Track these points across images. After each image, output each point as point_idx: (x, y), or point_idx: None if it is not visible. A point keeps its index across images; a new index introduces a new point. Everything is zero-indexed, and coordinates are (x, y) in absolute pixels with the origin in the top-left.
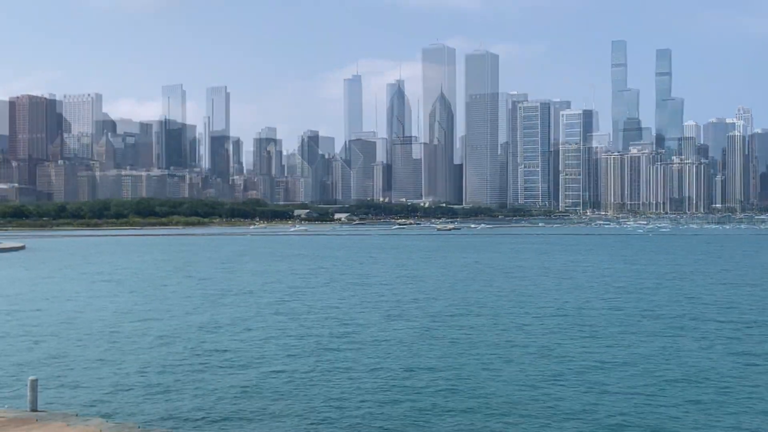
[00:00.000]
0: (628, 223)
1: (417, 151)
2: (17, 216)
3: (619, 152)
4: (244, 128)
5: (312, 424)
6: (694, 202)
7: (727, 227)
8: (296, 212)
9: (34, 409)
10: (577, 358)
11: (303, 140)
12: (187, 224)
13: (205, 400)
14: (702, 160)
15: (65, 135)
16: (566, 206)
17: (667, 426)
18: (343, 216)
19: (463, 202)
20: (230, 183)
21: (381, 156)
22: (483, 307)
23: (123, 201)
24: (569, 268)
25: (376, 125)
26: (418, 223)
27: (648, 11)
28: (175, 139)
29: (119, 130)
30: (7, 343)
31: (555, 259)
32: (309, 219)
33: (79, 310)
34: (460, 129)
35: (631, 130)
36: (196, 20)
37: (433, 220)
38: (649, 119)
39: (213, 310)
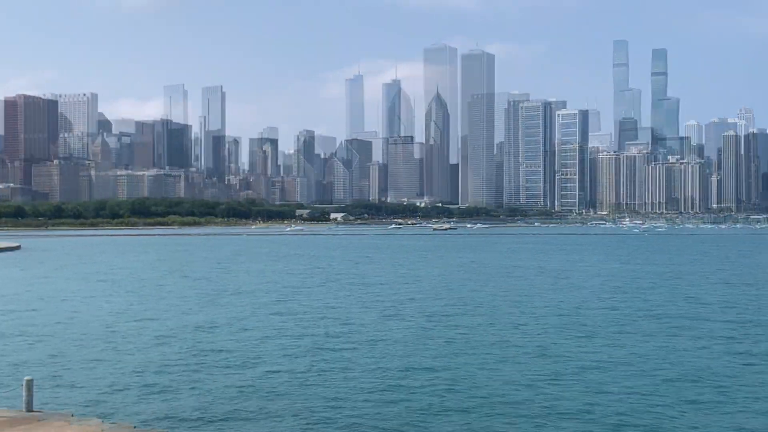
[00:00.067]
0: (624, 222)
1: (414, 151)
2: (14, 216)
3: (615, 152)
4: (245, 128)
5: (309, 423)
6: (691, 202)
7: (723, 227)
8: (298, 212)
9: (30, 410)
10: (574, 357)
11: (301, 140)
12: (183, 224)
13: (202, 400)
14: (698, 160)
15: (62, 135)
16: (563, 206)
17: (664, 425)
18: (339, 216)
19: (460, 202)
20: (227, 183)
21: (378, 156)
22: (479, 307)
23: (120, 201)
24: (565, 268)
25: (377, 125)
26: (420, 223)
27: (648, 11)
28: (176, 138)
29: (115, 130)
30: (2, 343)
31: (551, 258)
32: (307, 219)
33: (75, 310)
34: (457, 129)
35: (629, 130)
36: (196, 20)
37: (433, 220)
38: (647, 119)
39: (209, 310)
